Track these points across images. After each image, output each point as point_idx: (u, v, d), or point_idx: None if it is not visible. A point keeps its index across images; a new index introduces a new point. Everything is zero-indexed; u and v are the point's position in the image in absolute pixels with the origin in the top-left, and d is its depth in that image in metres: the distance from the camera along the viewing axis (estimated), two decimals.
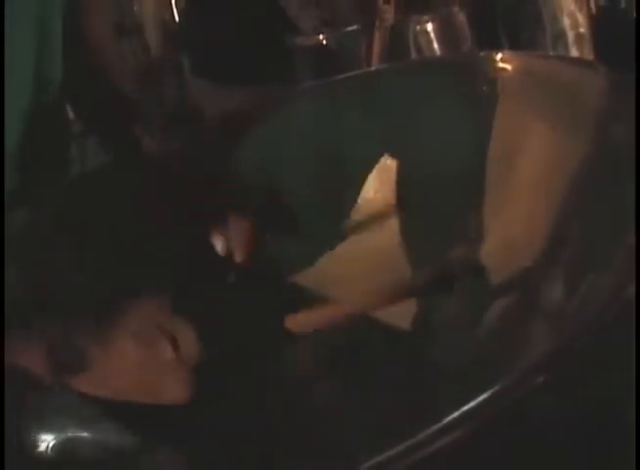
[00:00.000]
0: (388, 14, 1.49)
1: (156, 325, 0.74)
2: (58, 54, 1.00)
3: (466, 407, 0.44)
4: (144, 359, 0.74)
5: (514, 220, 0.88)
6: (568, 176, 0.83)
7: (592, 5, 2.07)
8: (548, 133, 0.87)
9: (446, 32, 1.70)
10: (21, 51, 0.97)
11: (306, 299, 0.85)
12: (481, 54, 0.97)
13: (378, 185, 0.95)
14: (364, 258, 0.92)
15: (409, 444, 0.43)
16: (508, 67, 0.92)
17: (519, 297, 0.79)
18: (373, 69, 1.46)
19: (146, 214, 0.89)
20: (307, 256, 0.90)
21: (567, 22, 1.82)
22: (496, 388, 0.44)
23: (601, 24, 1.96)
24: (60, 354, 0.74)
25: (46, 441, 0.73)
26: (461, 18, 1.76)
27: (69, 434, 0.75)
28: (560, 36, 1.80)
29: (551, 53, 1.75)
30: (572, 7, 1.84)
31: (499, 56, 0.93)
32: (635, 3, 2.03)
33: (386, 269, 0.92)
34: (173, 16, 1.98)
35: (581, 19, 1.86)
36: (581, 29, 1.84)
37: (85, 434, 0.75)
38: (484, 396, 0.44)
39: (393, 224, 0.94)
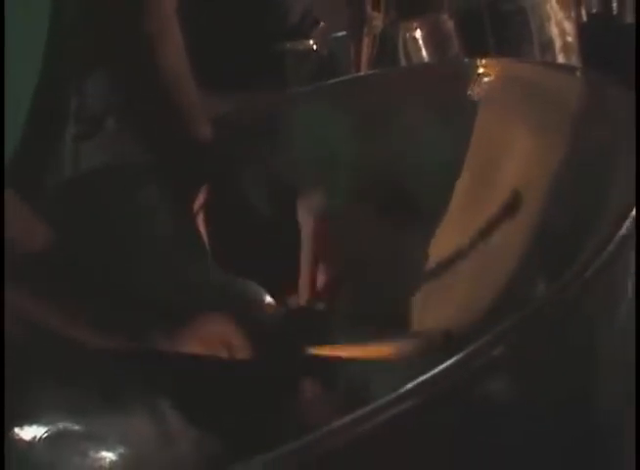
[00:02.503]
0: (377, 21, 1.51)
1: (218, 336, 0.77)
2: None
3: (422, 377, 0.46)
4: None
5: (497, 219, 0.90)
6: (549, 180, 0.85)
7: (583, 12, 2.09)
8: (530, 137, 0.89)
9: (435, 39, 1.72)
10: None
11: None
12: (466, 60, 0.99)
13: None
14: None
15: (363, 412, 0.45)
16: (491, 72, 0.94)
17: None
18: (361, 74, 1.48)
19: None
20: None
21: (554, 30, 1.84)
22: (451, 360, 0.46)
23: (591, 32, 1.98)
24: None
25: (37, 434, 0.74)
26: (449, 25, 1.78)
27: (60, 427, 0.76)
28: (548, 45, 1.82)
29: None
30: (561, 16, 1.86)
31: (483, 62, 0.95)
32: (635, 9, 2.05)
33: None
34: None
35: (569, 27, 1.88)
36: (569, 38, 1.86)
37: (77, 427, 0.76)
38: (440, 367, 0.46)
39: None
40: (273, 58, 1.74)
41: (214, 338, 0.77)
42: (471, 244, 0.90)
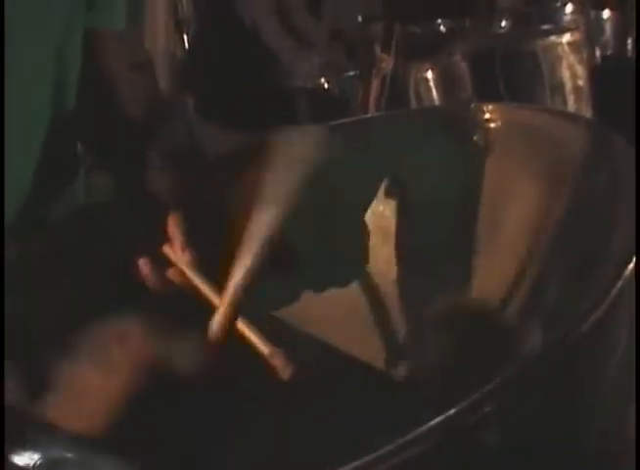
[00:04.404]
0: (386, 62, 1.53)
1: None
2: (73, 86, 1.03)
3: (417, 431, 0.47)
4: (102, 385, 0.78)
5: (501, 263, 0.91)
6: (551, 222, 0.86)
7: (597, 54, 2.11)
8: (534, 183, 0.90)
9: (446, 80, 1.74)
10: (38, 81, 1.00)
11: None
12: (472, 105, 1.00)
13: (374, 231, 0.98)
14: (350, 301, 0.95)
15: (358, 463, 0.46)
16: (497, 118, 0.96)
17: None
18: (368, 115, 1.49)
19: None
20: (294, 292, 0.93)
21: (565, 73, 1.86)
22: (446, 414, 0.47)
23: (606, 73, 2.00)
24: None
25: (32, 460, 0.75)
26: (462, 66, 1.81)
27: (55, 455, 0.76)
28: (558, 88, 1.84)
29: (549, 104, 1.80)
30: (572, 59, 1.88)
31: (489, 107, 0.96)
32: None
33: (371, 311, 0.95)
34: (183, 53, 2.02)
35: (581, 70, 1.90)
36: (580, 82, 1.88)
37: (70, 455, 0.77)
38: (435, 420, 0.47)
39: (389, 270, 0.97)
40: (285, 96, 1.77)
41: None
42: (474, 288, 0.91)
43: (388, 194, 1.01)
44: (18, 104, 0.97)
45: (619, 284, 0.55)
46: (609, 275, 0.57)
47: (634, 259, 0.57)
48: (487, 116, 0.96)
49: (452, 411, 0.47)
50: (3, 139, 0.95)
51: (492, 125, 0.96)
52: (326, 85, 1.73)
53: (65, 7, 1.00)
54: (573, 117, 0.95)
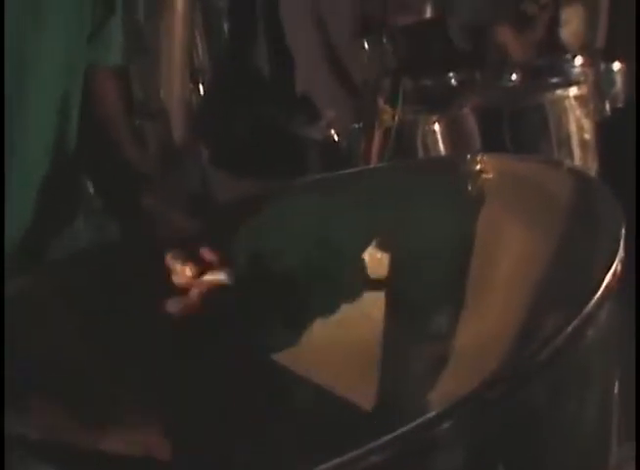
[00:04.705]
0: (388, 114, 1.56)
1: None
2: (74, 129, 1.07)
3: (371, 445, 0.48)
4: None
5: (487, 315, 0.92)
6: (538, 271, 0.87)
7: (607, 107, 2.13)
8: (522, 230, 0.92)
9: (453, 133, 1.77)
10: (43, 124, 1.04)
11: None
12: (468, 156, 1.03)
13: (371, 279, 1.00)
14: (344, 347, 0.97)
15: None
16: (489, 169, 0.98)
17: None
18: (370, 166, 1.52)
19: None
20: (291, 336, 0.95)
21: (572, 127, 1.88)
22: (399, 431, 0.48)
23: (614, 127, 2.02)
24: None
25: None
26: (470, 119, 1.83)
27: None
28: (565, 141, 1.86)
29: (555, 156, 1.82)
30: (579, 112, 1.90)
31: (481, 158, 0.99)
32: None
33: (363, 359, 0.97)
34: (197, 102, 2.07)
35: (587, 124, 1.92)
36: (586, 135, 1.90)
37: None
38: (387, 437, 0.48)
39: (379, 317, 0.98)
40: (298, 146, 1.80)
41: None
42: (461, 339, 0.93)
43: (384, 243, 1.03)
44: (24, 141, 1.01)
45: (576, 322, 0.57)
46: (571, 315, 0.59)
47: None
48: (480, 166, 0.98)
49: (410, 426, 0.49)
50: (3, 167, 0.98)
51: (485, 176, 0.98)
52: (335, 137, 1.76)
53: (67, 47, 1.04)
54: (560, 165, 0.97)
